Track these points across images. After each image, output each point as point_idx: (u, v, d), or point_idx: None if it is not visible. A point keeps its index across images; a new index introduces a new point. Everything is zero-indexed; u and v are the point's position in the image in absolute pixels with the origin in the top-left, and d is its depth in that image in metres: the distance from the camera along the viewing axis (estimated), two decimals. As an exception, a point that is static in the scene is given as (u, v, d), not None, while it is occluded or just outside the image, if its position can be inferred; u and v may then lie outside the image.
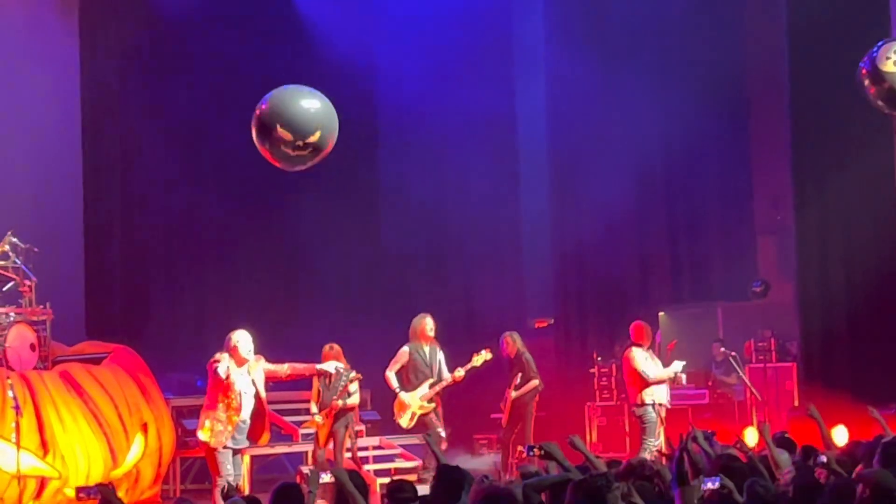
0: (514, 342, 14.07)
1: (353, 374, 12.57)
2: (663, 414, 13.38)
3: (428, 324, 13.55)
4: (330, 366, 11.86)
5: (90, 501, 7.04)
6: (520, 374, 14.01)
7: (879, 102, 10.59)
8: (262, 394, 10.74)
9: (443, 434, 13.47)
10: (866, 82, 10.54)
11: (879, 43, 10.62)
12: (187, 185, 17.90)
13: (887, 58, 10.20)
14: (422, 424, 13.36)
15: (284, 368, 11.14)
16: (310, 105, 9.25)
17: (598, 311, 18.76)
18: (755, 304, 17.59)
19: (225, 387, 10.49)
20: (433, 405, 13.42)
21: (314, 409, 12.75)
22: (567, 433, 12.14)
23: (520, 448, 14.19)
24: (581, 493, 6.62)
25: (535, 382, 14.08)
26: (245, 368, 10.62)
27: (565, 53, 18.70)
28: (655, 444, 13.07)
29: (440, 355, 13.59)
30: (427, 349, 13.51)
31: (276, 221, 18.36)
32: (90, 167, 17.00)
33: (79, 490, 7.11)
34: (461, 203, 18.84)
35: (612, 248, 18.56)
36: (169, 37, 17.61)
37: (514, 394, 14.03)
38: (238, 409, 10.53)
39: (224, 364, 10.44)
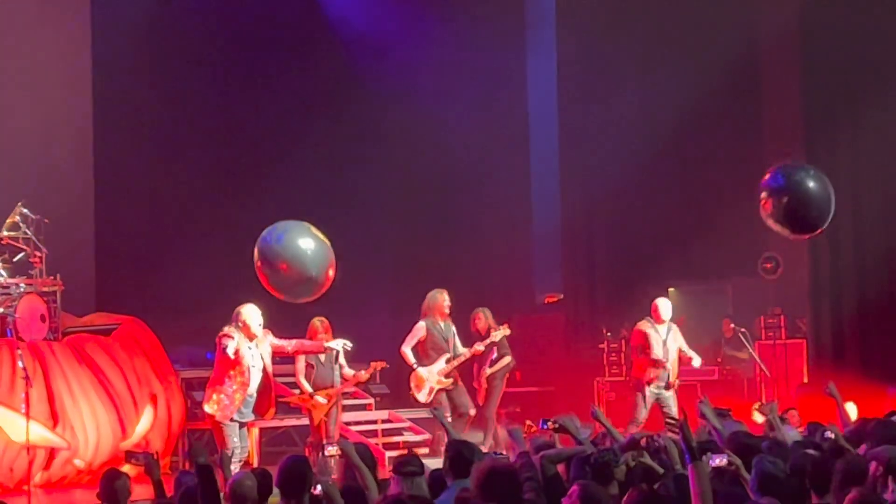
0: (485, 318, 13.85)
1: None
2: (671, 392, 13.38)
3: (445, 300, 13.53)
4: (338, 343, 11.80)
5: (137, 466, 7.22)
6: (497, 350, 13.91)
7: (779, 225, 10.26)
8: (269, 368, 10.73)
9: (471, 412, 13.46)
10: (762, 195, 10.29)
11: (781, 165, 10.48)
12: (199, 156, 17.87)
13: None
14: (438, 400, 13.35)
15: (292, 344, 11.13)
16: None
17: (608, 286, 18.75)
18: (765, 280, 17.55)
19: (233, 361, 10.47)
20: (451, 380, 13.41)
21: (308, 387, 12.63)
22: (576, 408, 12.15)
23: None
24: (588, 468, 6.63)
25: (508, 359, 13.96)
26: (253, 343, 10.60)
27: (578, 20, 18.61)
28: (638, 423, 13.07)
29: (454, 330, 13.60)
30: (442, 324, 13.52)
31: (286, 196, 18.30)
32: (101, 138, 16.95)
33: (127, 453, 7.29)
34: (471, 177, 18.77)
35: (622, 224, 18.54)
36: (181, 5, 17.55)
37: (488, 371, 13.95)
38: (245, 384, 10.52)
39: (234, 343, 10.40)
